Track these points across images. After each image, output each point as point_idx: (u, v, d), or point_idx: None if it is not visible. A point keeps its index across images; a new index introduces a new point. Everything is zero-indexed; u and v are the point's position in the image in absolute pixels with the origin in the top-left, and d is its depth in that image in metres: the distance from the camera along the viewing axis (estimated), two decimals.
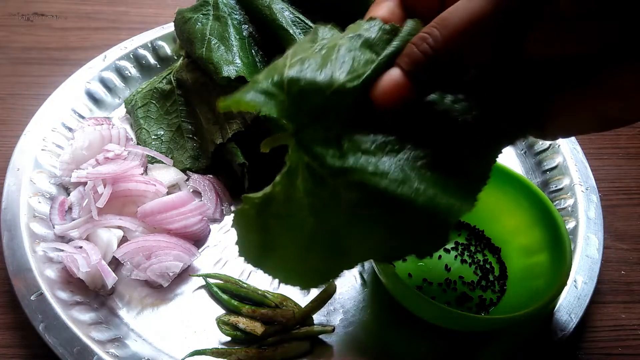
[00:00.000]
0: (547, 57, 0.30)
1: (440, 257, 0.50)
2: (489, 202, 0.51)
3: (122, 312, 0.47)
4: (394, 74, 0.29)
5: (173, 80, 0.59)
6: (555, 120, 0.32)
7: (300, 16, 0.53)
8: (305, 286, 0.33)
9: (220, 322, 0.46)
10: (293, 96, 0.29)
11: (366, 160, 0.29)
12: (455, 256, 0.50)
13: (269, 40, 0.55)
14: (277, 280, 0.49)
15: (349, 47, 0.30)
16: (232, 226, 0.33)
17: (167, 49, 0.69)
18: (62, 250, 0.48)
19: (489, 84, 0.32)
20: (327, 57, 0.30)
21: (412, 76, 0.29)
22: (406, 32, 0.30)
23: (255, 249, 0.33)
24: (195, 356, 0.44)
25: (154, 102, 0.60)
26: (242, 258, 0.34)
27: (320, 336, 0.46)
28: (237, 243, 0.34)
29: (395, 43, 0.30)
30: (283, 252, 0.32)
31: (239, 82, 0.52)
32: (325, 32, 0.33)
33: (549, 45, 0.28)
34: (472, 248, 0.51)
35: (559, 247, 0.44)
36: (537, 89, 0.32)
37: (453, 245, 0.51)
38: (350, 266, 0.32)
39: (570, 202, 0.55)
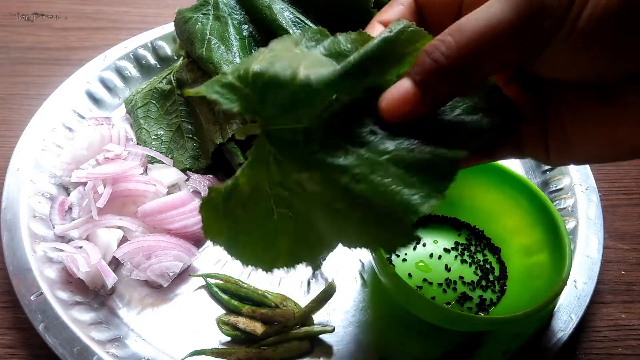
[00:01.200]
0: (563, 78, 0.28)
1: (440, 257, 0.50)
2: (489, 202, 0.51)
3: (122, 312, 0.47)
4: (404, 84, 0.27)
5: (173, 80, 0.59)
6: (566, 145, 0.30)
7: (300, 16, 0.53)
8: (269, 267, 0.33)
9: (220, 322, 0.46)
10: (258, 90, 0.28)
11: (329, 154, 0.28)
12: (455, 256, 0.50)
13: (269, 40, 0.55)
14: (277, 280, 0.50)
15: (322, 58, 0.30)
16: (199, 212, 0.33)
17: (167, 49, 0.69)
18: (62, 250, 0.48)
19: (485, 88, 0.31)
20: (298, 57, 0.29)
21: (423, 86, 0.27)
22: (387, 31, 0.29)
23: (222, 233, 0.33)
24: (195, 356, 0.44)
25: (154, 102, 0.60)
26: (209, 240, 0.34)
27: (320, 336, 0.46)
28: (203, 228, 0.33)
29: (373, 47, 0.29)
30: (249, 238, 0.33)
31: None
32: (309, 42, 0.32)
33: (564, 66, 0.27)
34: (472, 248, 0.51)
35: (559, 247, 0.44)
36: (545, 106, 0.30)
37: (453, 245, 0.51)
38: (319, 253, 0.32)
39: (570, 202, 0.55)
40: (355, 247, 0.30)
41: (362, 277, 0.50)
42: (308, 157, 0.29)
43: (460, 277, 0.49)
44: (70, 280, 0.48)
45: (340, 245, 0.31)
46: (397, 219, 0.27)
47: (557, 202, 0.56)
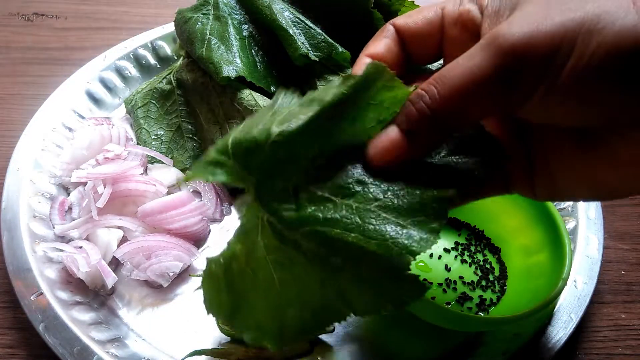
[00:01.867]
0: (546, 123, 0.28)
1: (440, 257, 0.50)
2: (488, 202, 0.50)
3: (122, 312, 0.47)
4: (391, 133, 0.28)
5: (173, 80, 0.59)
6: (551, 183, 0.31)
7: (300, 16, 0.53)
8: (279, 345, 0.31)
9: (221, 322, 0.46)
10: (240, 158, 0.28)
11: (319, 208, 0.28)
12: (455, 256, 0.50)
13: (269, 40, 0.55)
14: None
15: (296, 108, 0.29)
16: (200, 288, 0.33)
17: (167, 49, 0.69)
18: (62, 250, 0.48)
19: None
20: (272, 116, 0.29)
21: (409, 135, 0.28)
22: (360, 78, 0.28)
23: (224, 308, 0.32)
24: (195, 356, 0.44)
25: (154, 102, 0.60)
26: (211, 316, 0.33)
27: (320, 336, 0.46)
28: (204, 302, 0.33)
29: (343, 89, 0.28)
30: (252, 310, 0.31)
31: (239, 81, 0.52)
32: (286, 98, 0.32)
33: (547, 114, 0.27)
34: (472, 248, 0.51)
35: (559, 247, 0.44)
36: (529, 145, 0.31)
37: (453, 245, 0.51)
38: (328, 323, 0.30)
39: (570, 202, 0.55)
40: (365, 314, 0.29)
41: None
42: (299, 215, 0.28)
43: (460, 277, 0.49)
44: (70, 280, 0.48)
45: (352, 315, 0.29)
46: (395, 266, 0.26)
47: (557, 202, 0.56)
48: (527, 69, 0.25)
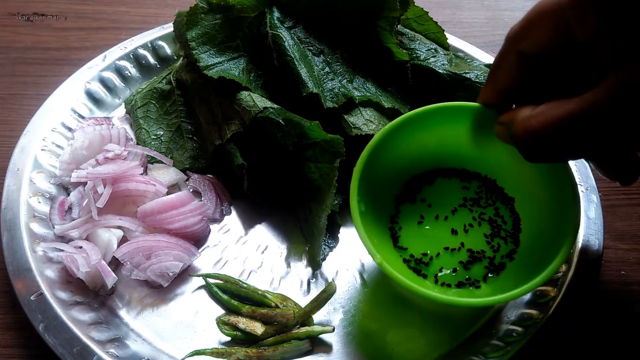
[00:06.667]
0: None
1: (446, 218, 0.48)
2: (500, 148, 0.45)
3: (122, 312, 0.47)
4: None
5: (173, 81, 0.59)
6: None
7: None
8: None
9: (220, 322, 0.46)
10: None
11: None
12: (464, 215, 0.48)
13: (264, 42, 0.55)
14: (277, 280, 0.50)
15: None
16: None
17: (167, 49, 0.69)
18: (62, 250, 0.48)
19: None
20: None
21: None
22: None
23: None
24: (195, 356, 0.44)
25: (153, 102, 0.60)
26: None
27: (320, 336, 0.46)
28: None
29: None
30: None
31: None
32: None
33: None
34: (482, 202, 0.48)
35: (568, 203, 0.43)
36: None
37: (461, 202, 0.48)
38: None
39: None
40: None
41: (362, 277, 0.50)
42: None
43: (469, 238, 0.47)
44: (70, 280, 0.48)
45: None
46: None
47: None
48: None
